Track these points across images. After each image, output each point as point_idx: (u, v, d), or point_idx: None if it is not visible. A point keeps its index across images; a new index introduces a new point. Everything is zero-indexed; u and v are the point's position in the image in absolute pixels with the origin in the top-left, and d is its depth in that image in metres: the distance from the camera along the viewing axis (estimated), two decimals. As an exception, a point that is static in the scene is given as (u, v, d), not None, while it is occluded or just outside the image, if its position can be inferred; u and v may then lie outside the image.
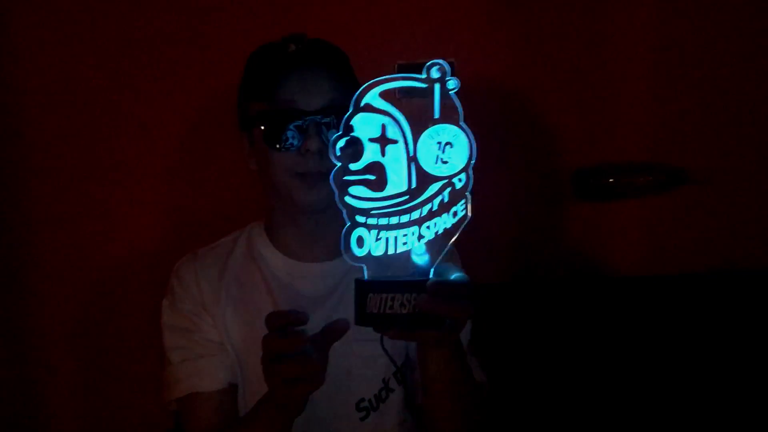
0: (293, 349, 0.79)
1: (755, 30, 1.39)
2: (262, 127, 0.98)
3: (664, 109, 1.38)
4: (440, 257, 0.80)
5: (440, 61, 0.80)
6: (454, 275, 0.80)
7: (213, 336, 1.05)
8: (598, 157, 1.38)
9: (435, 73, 0.80)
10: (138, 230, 1.41)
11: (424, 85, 0.81)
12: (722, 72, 1.40)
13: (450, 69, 0.80)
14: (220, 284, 1.06)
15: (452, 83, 0.80)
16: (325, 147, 0.94)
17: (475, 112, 1.33)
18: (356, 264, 0.80)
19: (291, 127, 0.96)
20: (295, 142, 0.96)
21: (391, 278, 0.79)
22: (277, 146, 0.97)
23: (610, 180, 1.37)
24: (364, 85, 0.81)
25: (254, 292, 1.06)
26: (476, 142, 0.80)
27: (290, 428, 0.90)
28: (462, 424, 0.96)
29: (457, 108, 0.81)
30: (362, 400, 1.04)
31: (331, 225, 1.01)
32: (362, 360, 1.02)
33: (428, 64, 0.80)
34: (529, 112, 1.39)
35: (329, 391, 0.95)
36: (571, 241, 1.41)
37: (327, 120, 0.96)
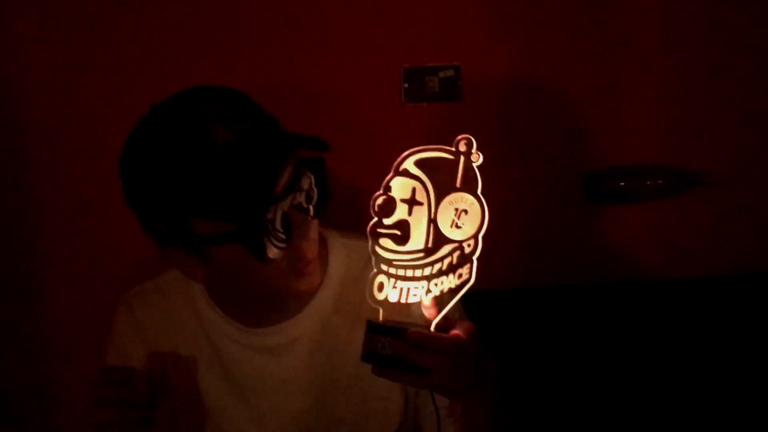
0: (112, 395, 0.80)
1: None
2: (237, 247, 0.82)
3: (676, 112, 1.38)
4: (443, 313, 0.88)
5: (468, 136, 0.88)
6: (453, 332, 0.86)
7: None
8: (610, 161, 1.39)
9: (462, 147, 0.89)
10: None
11: (451, 157, 0.89)
12: (735, 74, 1.38)
13: (475, 144, 0.88)
14: (162, 344, 0.99)
15: (476, 157, 0.88)
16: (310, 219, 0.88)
17: (484, 116, 1.35)
18: (375, 306, 0.93)
19: (281, 233, 0.83)
20: (287, 241, 0.85)
21: (393, 323, 0.90)
22: (269, 257, 0.83)
23: (622, 183, 1.36)
24: (404, 153, 0.93)
25: (204, 362, 0.98)
26: (488, 210, 0.86)
27: None
28: None
29: (477, 179, 0.88)
30: None
31: (284, 288, 0.94)
32: (380, 402, 1.02)
33: (457, 138, 0.89)
34: (539, 115, 1.38)
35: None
36: (583, 245, 1.41)
37: (297, 194, 0.85)
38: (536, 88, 1.40)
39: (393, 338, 0.85)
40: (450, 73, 1.39)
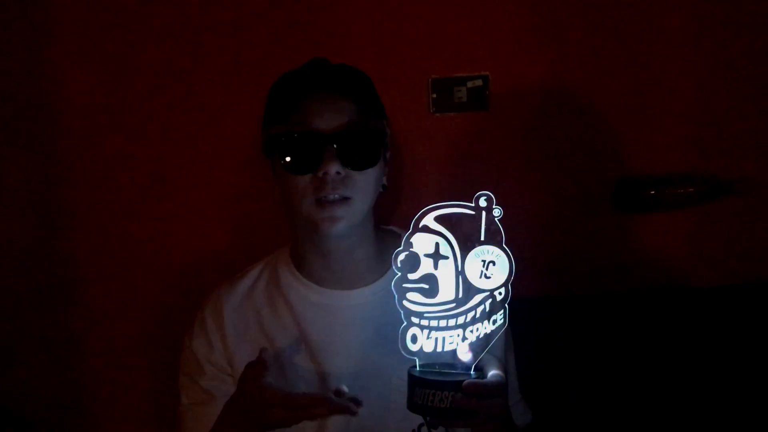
0: (282, 403, 0.87)
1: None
2: (281, 151, 0.97)
3: (707, 119, 1.35)
4: (480, 356, 0.96)
5: (487, 192, 0.94)
6: (491, 373, 0.95)
7: (218, 380, 1.07)
8: (640, 169, 1.36)
9: (482, 203, 0.94)
10: (197, 236, 1.40)
11: (472, 213, 0.95)
12: (768, 81, 1.34)
13: (494, 199, 0.94)
14: (246, 319, 1.07)
15: (496, 212, 0.94)
16: (344, 169, 0.96)
17: (513, 126, 1.35)
18: (409, 357, 0.98)
19: (307, 149, 0.95)
20: (313, 165, 0.95)
21: (437, 373, 0.96)
22: (296, 170, 0.96)
23: (653, 192, 1.33)
24: (422, 210, 0.96)
25: (281, 323, 1.06)
26: (506, 230, 0.92)
27: None
28: None
29: (500, 232, 0.94)
30: None
31: (358, 251, 1.06)
32: (401, 394, 0.99)
33: (477, 195, 0.94)
34: (568, 124, 1.36)
35: (369, 425, 1.03)
36: (613, 253, 1.38)
37: (344, 142, 0.95)
38: (565, 97, 1.36)
39: (449, 391, 0.92)
40: (478, 82, 1.34)
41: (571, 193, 1.37)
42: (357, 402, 0.88)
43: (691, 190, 1.33)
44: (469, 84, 1.32)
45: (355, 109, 0.98)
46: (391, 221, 1.20)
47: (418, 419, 1.07)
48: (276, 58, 1.29)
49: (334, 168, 0.95)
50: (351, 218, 0.99)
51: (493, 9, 1.36)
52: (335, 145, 0.95)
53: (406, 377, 0.96)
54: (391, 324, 0.95)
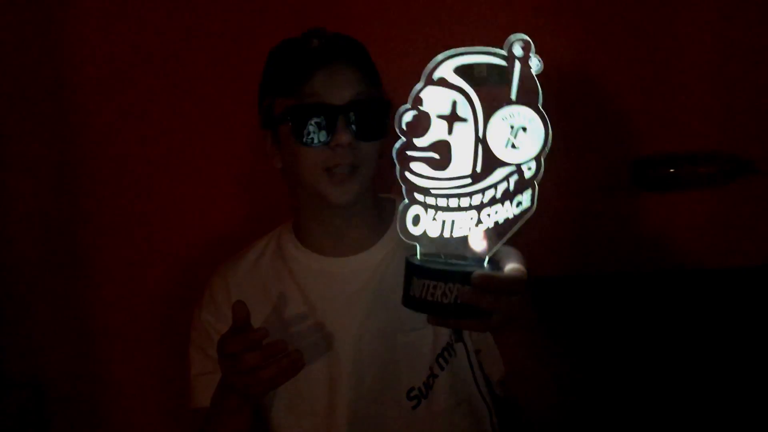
0: (246, 345, 0.84)
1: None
2: (290, 123, 0.96)
3: (728, 97, 1.30)
4: (497, 247, 0.77)
5: (524, 36, 0.73)
6: (510, 266, 0.76)
7: None
8: (660, 146, 1.31)
9: (517, 50, 0.73)
10: (207, 226, 1.41)
11: (503, 63, 0.74)
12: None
13: (533, 46, 0.73)
14: (251, 290, 1.07)
15: (535, 63, 0.73)
16: (354, 140, 0.95)
17: None
18: (410, 242, 0.79)
19: (319, 121, 0.95)
20: (324, 137, 0.95)
21: (441, 263, 0.77)
22: (307, 141, 0.95)
23: (672, 170, 1.30)
24: (438, 57, 0.75)
25: (285, 293, 1.06)
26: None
27: (251, 413, 0.95)
28: (544, 407, 0.96)
29: (536, 90, 0.74)
30: (412, 389, 1.02)
31: (359, 219, 1.06)
32: (407, 349, 1.01)
33: (511, 38, 0.73)
34: (588, 101, 1.33)
35: (378, 383, 1.01)
36: (632, 233, 1.35)
37: (355, 114, 0.95)
38: (585, 75, 1.33)
39: (454, 283, 0.73)
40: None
41: (589, 170, 1.34)
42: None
43: (713, 169, 1.29)
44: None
45: (362, 79, 0.99)
46: (393, 190, 1.12)
47: (425, 371, 1.02)
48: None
49: (345, 138, 0.95)
50: (359, 188, 0.99)
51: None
52: (347, 117, 0.95)
53: (409, 335, 0.95)
54: (390, 286, 0.92)
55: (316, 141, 0.95)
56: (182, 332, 1.14)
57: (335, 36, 1.01)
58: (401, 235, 0.79)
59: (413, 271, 0.77)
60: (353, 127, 0.95)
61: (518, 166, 0.75)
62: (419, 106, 0.77)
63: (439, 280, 0.74)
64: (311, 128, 0.95)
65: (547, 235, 1.24)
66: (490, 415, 1.07)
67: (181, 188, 1.40)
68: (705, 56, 1.30)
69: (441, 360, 1.03)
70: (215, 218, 1.41)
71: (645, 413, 1.25)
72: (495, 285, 0.73)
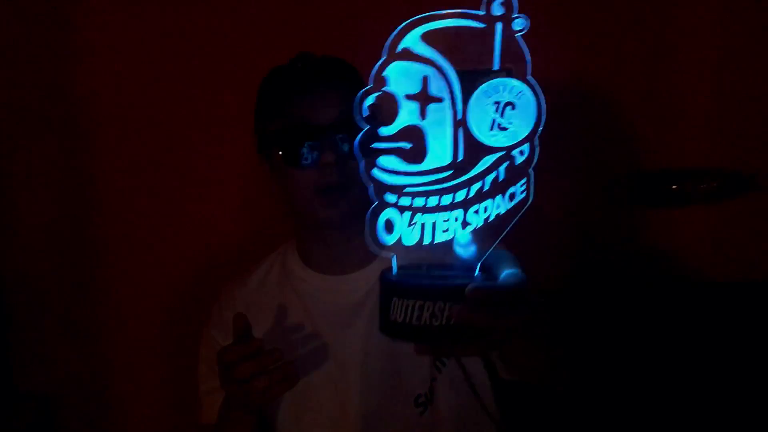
0: (242, 354, 0.85)
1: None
2: (278, 146, 0.98)
3: (731, 112, 1.29)
4: (489, 250, 0.63)
5: (505, -8, 0.60)
6: (506, 272, 0.63)
7: None
8: (661, 162, 1.31)
9: (497, 9, 0.60)
10: (215, 232, 1.41)
11: (481, 25, 0.61)
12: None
13: (515, 4, 0.60)
14: (258, 308, 1.07)
15: (519, 23, 0.60)
16: (342, 160, 0.93)
17: None
18: (382, 254, 0.65)
19: (306, 143, 0.95)
20: (311, 158, 0.95)
21: (424, 277, 0.63)
22: (294, 163, 0.96)
23: (673, 186, 1.31)
24: (401, 25, 0.62)
25: (290, 311, 1.07)
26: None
27: (252, 426, 0.97)
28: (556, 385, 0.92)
29: (524, 56, 0.61)
30: (419, 396, 0.99)
31: (358, 237, 0.97)
32: (410, 357, 0.92)
33: (488, -4, 0.60)
34: (589, 116, 1.32)
35: (385, 391, 1.00)
36: (632, 248, 1.34)
37: (341, 134, 0.94)
38: (587, 89, 1.32)
39: (444, 302, 0.59)
40: (502, 75, 1.19)
41: (589, 185, 1.33)
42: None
43: (714, 185, 1.30)
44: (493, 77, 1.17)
45: (346, 100, 0.89)
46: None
47: (430, 377, 0.98)
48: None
49: (332, 158, 0.94)
50: (348, 205, 0.97)
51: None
52: (333, 136, 0.95)
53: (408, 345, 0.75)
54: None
55: (303, 162, 0.95)
56: (191, 346, 1.13)
57: (322, 59, 1.02)
58: (370, 247, 0.65)
59: (392, 290, 0.62)
60: (340, 146, 0.94)
61: (508, 150, 0.62)
62: (383, 87, 0.63)
63: (426, 298, 0.60)
64: (297, 150, 0.96)
65: (548, 250, 1.23)
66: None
67: (188, 206, 1.39)
68: (707, 71, 1.29)
69: (438, 362, 1.00)
70: (223, 235, 1.41)
71: (643, 425, 1.21)
72: (495, 297, 0.59)
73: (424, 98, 0.63)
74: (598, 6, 1.30)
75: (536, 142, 0.62)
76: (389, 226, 0.65)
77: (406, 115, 0.63)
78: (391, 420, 1.00)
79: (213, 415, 1.02)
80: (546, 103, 0.61)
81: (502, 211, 0.63)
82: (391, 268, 0.66)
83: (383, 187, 0.64)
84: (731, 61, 1.29)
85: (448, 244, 0.64)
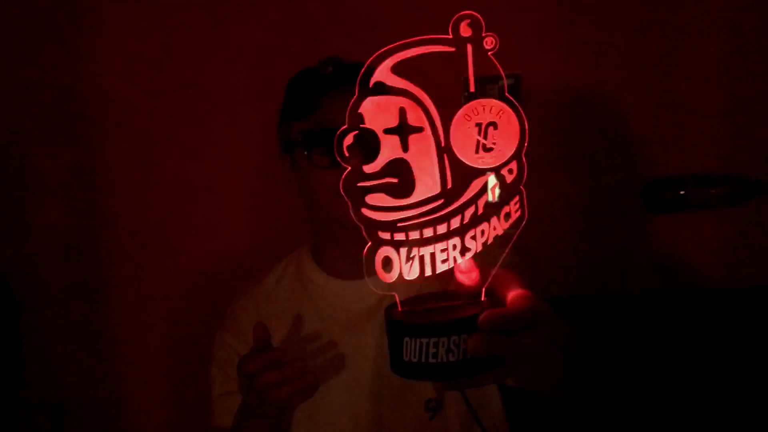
0: (262, 365, 0.85)
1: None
2: (303, 147, 0.98)
3: (740, 118, 1.32)
4: (495, 269, 0.62)
5: (471, 13, 0.59)
6: (513, 293, 0.61)
7: None
8: (671, 168, 1.33)
9: (465, 30, 0.59)
10: (223, 237, 1.43)
11: (451, 48, 0.59)
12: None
13: (483, 23, 0.59)
14: (272, 312, 1.08)
15: (490, 42, 0.59)
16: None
17: (545, 125, 1.27)
18: (386, 293, 0.63)
19: (331, 145, 0.87)
20: (336, 161, 0.87)
21: (432, 312, 0.62)
22: (320, 165, 0.97)
23: (683, 192, 1.29)
24: (369, 60, 0.60)
25: (304, 315, 1.07)
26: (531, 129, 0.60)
27: None
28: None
29: (499, 74, 0.60)
30: (430, 400, 1.01)
31: None
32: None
33: (456, 18, 0.59)
34: (600, 123, 1.34)
35: (397, 396, 1.01)
36: (643, 254, 1.36)
37: (365, 136, 0.88)
38: (597, 96, 1.35)
39: (459, 334, 0.58)
40: (511, 81, 1.33)
41: (600, 192, 1.36)
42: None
43: (723, 190, 1.29)
44: (502, 83, 1.18)
45: None
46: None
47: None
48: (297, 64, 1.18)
49: (356, 162, 0.81)
50: None
51: (526, 9, 1.36)
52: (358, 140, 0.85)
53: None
54: None
55: (327, 164, 0.96)
56: (201, 354, 1.14)
57: (350, 63, 1.00)
58: (373, 288, 0.63)
59: (402, 330, 0.60)
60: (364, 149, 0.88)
61: (496, 170, 0.61)
62: (360, 124, 0.61)
63: (440, 335, 0.58)
64: (323, 151, 0.96)
65: (558, 255, 1.23)
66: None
67: (198, 212, 1.42)
68: (716, 78, 1.32)
69: None
70: (233, 240, 1.43)
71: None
72: (508, 321, 0.58)
73: (403, 130, 0.61)
74: (612, 15, 1.33)
75: (523, 158, 0.60)
76: (388, 264, 0.63)
77: (389, 149, 0.62)
78: (403, 424, 1.01)
79: (226, 419, 1.01)
80: (525, 121, 0.60)
81: (500, 232, 0.61)
82: (393, 305, 0.64)
83: (375, 225, 0.62)
84: (741, 67, 1.31)
85: (450, 274, 0.63)
